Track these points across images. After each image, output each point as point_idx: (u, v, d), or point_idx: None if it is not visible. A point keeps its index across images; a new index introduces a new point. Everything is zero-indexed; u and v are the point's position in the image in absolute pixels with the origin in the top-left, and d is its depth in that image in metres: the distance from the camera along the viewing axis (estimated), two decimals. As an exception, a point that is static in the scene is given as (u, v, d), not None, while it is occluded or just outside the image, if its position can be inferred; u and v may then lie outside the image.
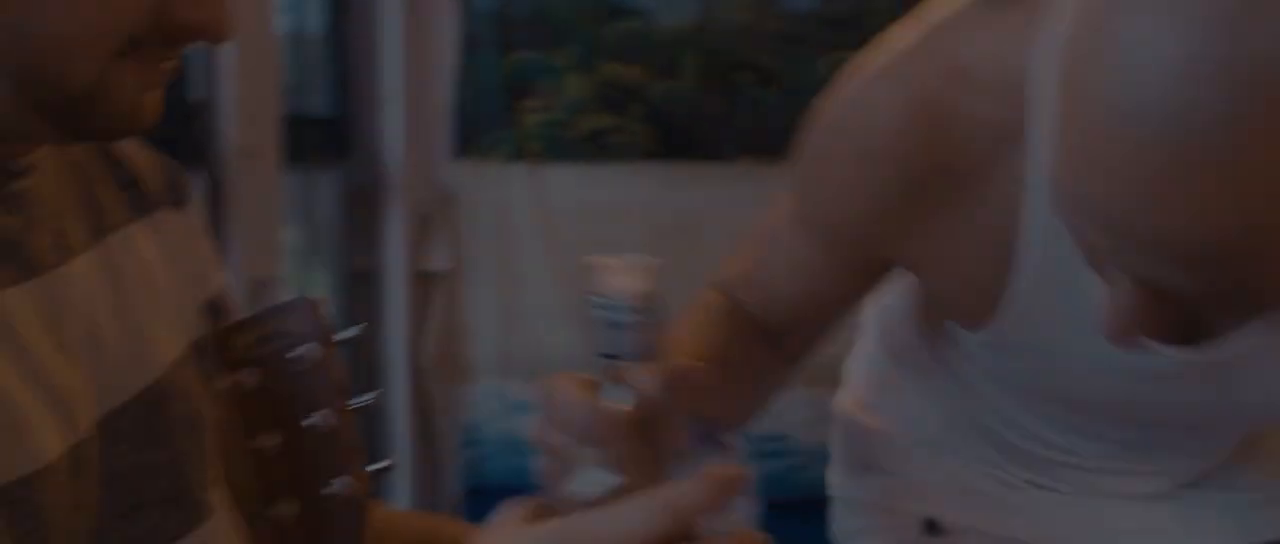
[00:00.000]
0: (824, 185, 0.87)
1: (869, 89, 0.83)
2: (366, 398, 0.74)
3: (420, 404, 2.31)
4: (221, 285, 0.85)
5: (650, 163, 2.21)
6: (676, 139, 2.20)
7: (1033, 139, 0.77)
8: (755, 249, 0.96)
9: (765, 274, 0.94)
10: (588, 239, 2.24)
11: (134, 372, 0.73)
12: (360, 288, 2.26)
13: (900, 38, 0.84)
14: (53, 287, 0.68)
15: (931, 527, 1.07)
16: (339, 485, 0.71)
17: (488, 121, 2.29)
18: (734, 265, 0.98)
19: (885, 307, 1.06)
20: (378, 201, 2.25)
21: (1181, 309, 0.62)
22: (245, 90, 1.89)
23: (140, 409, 0.72)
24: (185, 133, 1.87)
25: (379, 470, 0.74)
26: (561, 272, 2.27)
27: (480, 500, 2.34)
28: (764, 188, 2.25)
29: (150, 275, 0.76)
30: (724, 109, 2.20)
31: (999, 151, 0.79)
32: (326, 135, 2.26)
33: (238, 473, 0.78)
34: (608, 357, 0.63)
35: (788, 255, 0.92)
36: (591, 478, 0.64)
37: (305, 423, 0.72)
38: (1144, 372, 0.85)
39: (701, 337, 0.91)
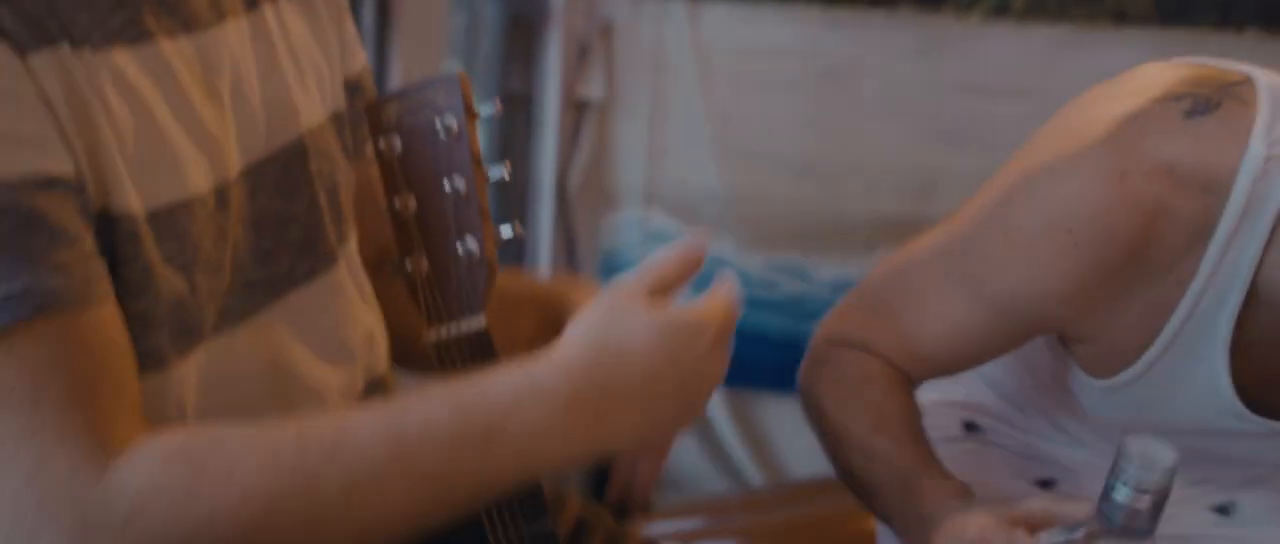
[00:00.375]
0: (1009, 262, 0.92)
1: (1068, 177, 0.88)
2: (500, 170, 0.78)
3: (564, 229, 2.37)
4: (363, 65, 0.90)
5: (811, 5, 2.19)
6: (838, -18, 2.17)
7: (1219, 237, 0.85)
8: (895, 304, 0.99)
9: (913, 330, 0.97)
10: (742, 77, 2.24)
11: (277, 130, 0.78)
12: (514, 111, 2.31)
13: (1080, 127, 0.89)
14: (207, 43, 0.74)
15: (970, 427, 1.11)
16: (469, 245, 0.75)
17: (652, -46, 2.29)
18: (854, 320, 1.00)
19: None
20: (538, 27, 2.28)
21: None
22: (417, -95, 1.93)
23: (280, 164, 0.78)
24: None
25: (507, 238, 0.78)
26: (712, 108, 2.28)
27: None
28: (924, 35, 2.21)
29: (296, 46, 0.82)
30: (889, -47, 2.16)
31: (1188, 245, 0.86)
32: (493, -40, 2.29)
33: (378, 234, 0.83)
34: (1108, 524, 0.72)
35: (942, 315, 0.96)
36: None
37: (442, 187, 0.76)
38: (1241, 433, 0.89)
39: (904, 418, 0.96)
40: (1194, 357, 0.90)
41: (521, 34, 2.29)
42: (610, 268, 2.38)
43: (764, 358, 2.21)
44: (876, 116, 2.17)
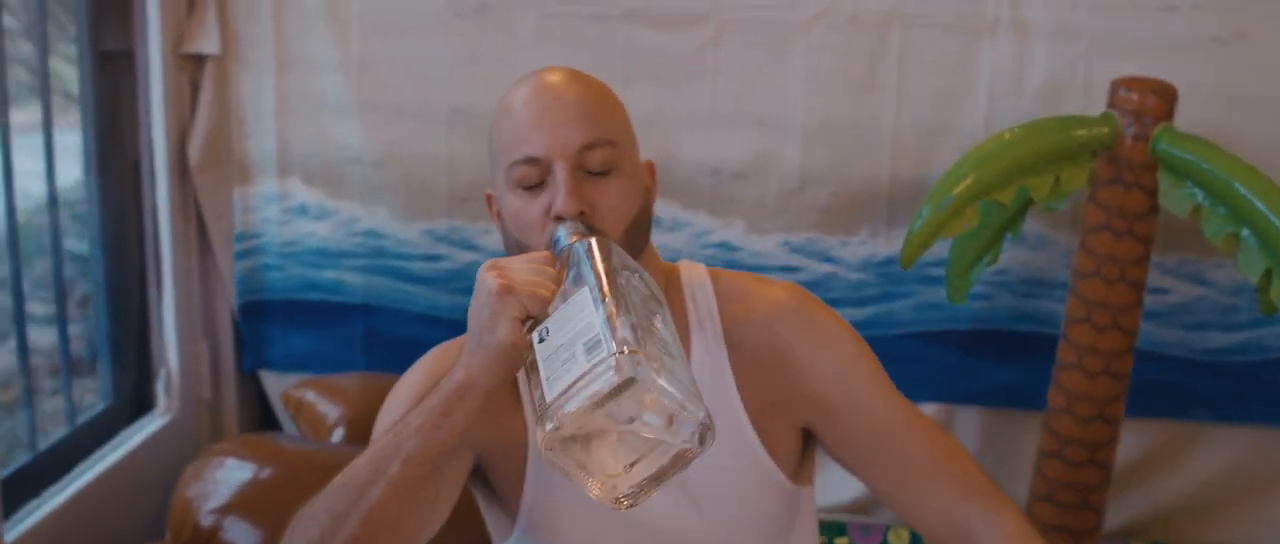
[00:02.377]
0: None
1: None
2: None
3: (191, 208, 2.04)
4: None
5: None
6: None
7: None
8: None
9: None
10: (376, 18, 1.95)
11: None
12: (115, 73, 1.94)
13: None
14: None
15: None
16: None
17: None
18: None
19: None
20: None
21: None
22: None
23: None
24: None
25: None
26: (348, 56, 1.98)
27: (259, 313, 2.09)
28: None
29: None
30: None
31: None
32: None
33: None
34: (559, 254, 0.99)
35: None
36: None
37: None
38: None
39: None
40: None
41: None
42: (248, 252, 2.06)
43: (434, 339, 1.95)
44: (535, 52, 1.93)
